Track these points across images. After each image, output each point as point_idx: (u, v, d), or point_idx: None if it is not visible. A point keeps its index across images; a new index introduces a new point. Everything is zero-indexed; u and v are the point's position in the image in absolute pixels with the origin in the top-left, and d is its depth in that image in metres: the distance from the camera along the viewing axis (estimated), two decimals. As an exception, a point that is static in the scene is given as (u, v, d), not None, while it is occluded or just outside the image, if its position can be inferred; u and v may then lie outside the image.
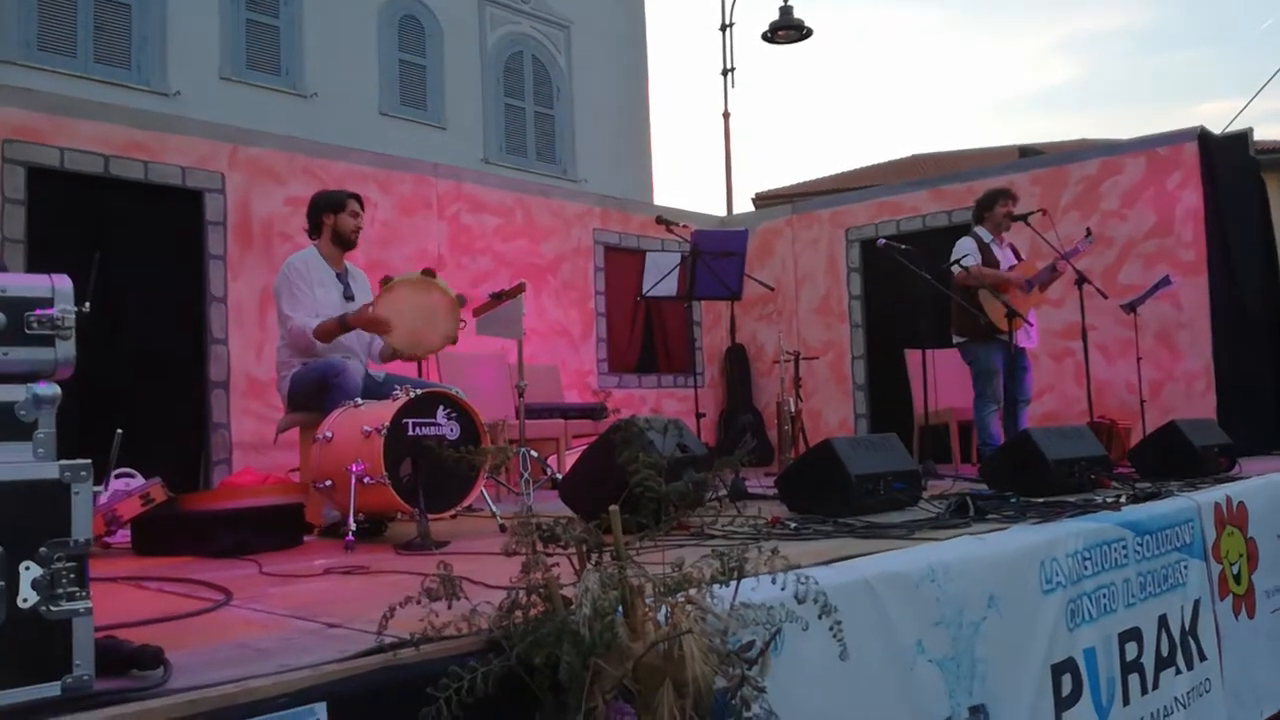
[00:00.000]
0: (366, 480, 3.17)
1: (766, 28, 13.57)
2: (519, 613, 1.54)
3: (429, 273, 3.96)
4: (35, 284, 1.33)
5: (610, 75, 15.29)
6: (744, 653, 1.53)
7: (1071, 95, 61.17)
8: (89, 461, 1.32)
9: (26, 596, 1.26)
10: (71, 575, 1.29)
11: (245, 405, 5.72)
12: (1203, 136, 6.57)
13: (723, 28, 14.16)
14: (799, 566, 1.61)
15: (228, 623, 1.92)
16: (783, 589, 1.60)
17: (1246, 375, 6.36)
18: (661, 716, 1.42)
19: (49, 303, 1.33)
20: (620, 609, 1.45)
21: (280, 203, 5.94)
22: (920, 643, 2.25)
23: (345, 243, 4.14)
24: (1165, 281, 6.06)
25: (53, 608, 1.28)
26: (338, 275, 4.13)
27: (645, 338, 8.13)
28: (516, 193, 7.43)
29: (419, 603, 1.48)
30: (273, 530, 3.17)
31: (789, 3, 13.15)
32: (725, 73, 14.17)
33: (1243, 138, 7.17)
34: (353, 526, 3.13)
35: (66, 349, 1.34)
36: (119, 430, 3.45)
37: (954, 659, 2.32)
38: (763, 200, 23.99)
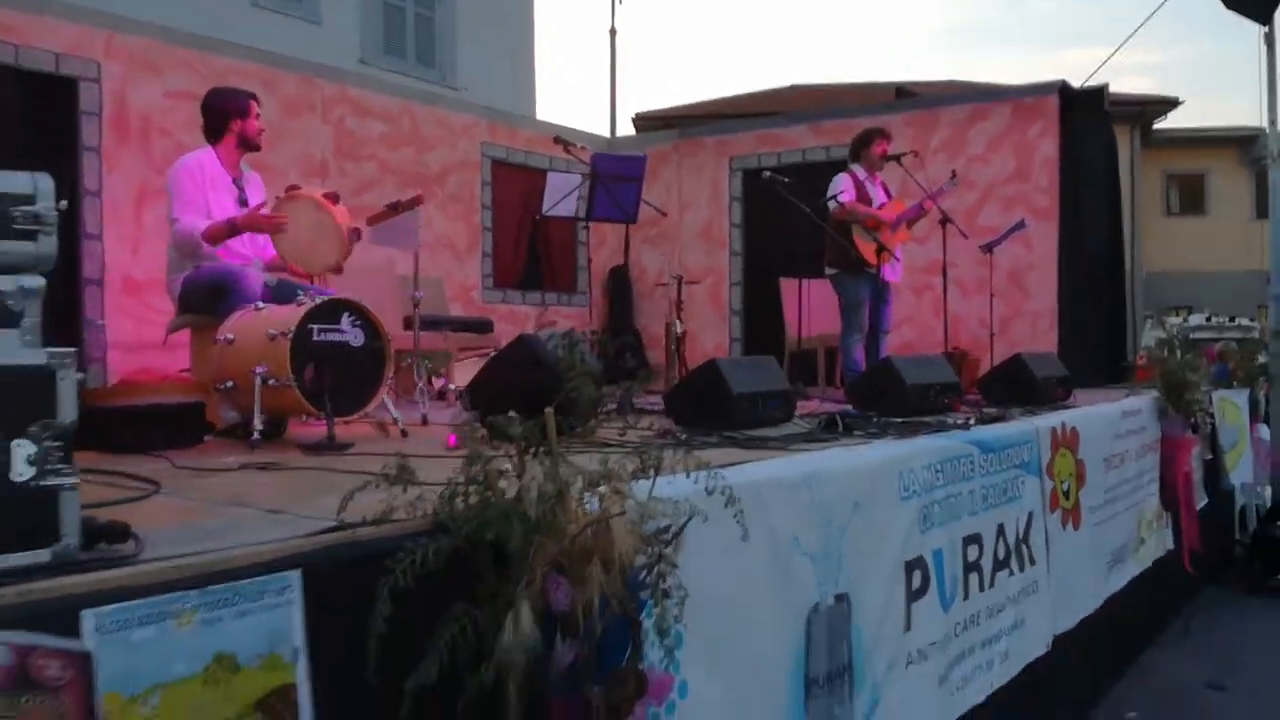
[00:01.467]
0: (271, 382, 3.25)
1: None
2: (459, 499, 1.71)
3: (331, 197, 3.96)
4: (18, 182, 1.40)
5: (494, -20, 14.96)
6: (660, 535, 1.75)
7: (943, 36, 62.79)
8: (74, 350, 1.42)
9: (20, 471, 1.36)
10: (59, 453, 1.40)
11: (122, 303, 5.59)
12: (1063, 90, 7.03)
13: (611, -59, 14.02)
14: (709, 465, 1.83)
15: (165, 509, 2.03)
16: (695, 484, 1.82)
17: (1085, 315, 6.95)
18: (590, 587, 1.64)
19: (31, 199, 1.41)
20: (557, 497, 1.65)
21: (160, 95, 5.74)
22: (797, 539, 2.53)
23: (252, 146, 4.10)
24: (1020, 225, 6.54)
25: (42, 482, 1.38)
26: (234, 180, 4.09)
27: (530, 254, 8.22)
28: (403, 99, 7.34)
29: (376, 486, 1.63)
30: (175, 428, 3.22)
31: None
32: (613, -11, 14.08)
33: (1099, 92, 7.70)
34: (258, 426, 3.21)
35: (49, 244, 1.42)
36: None
37: (824, 554, 2.62)
38: (643, 120, 23.99)
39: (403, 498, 1.68)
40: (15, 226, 1.39)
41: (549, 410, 1.75)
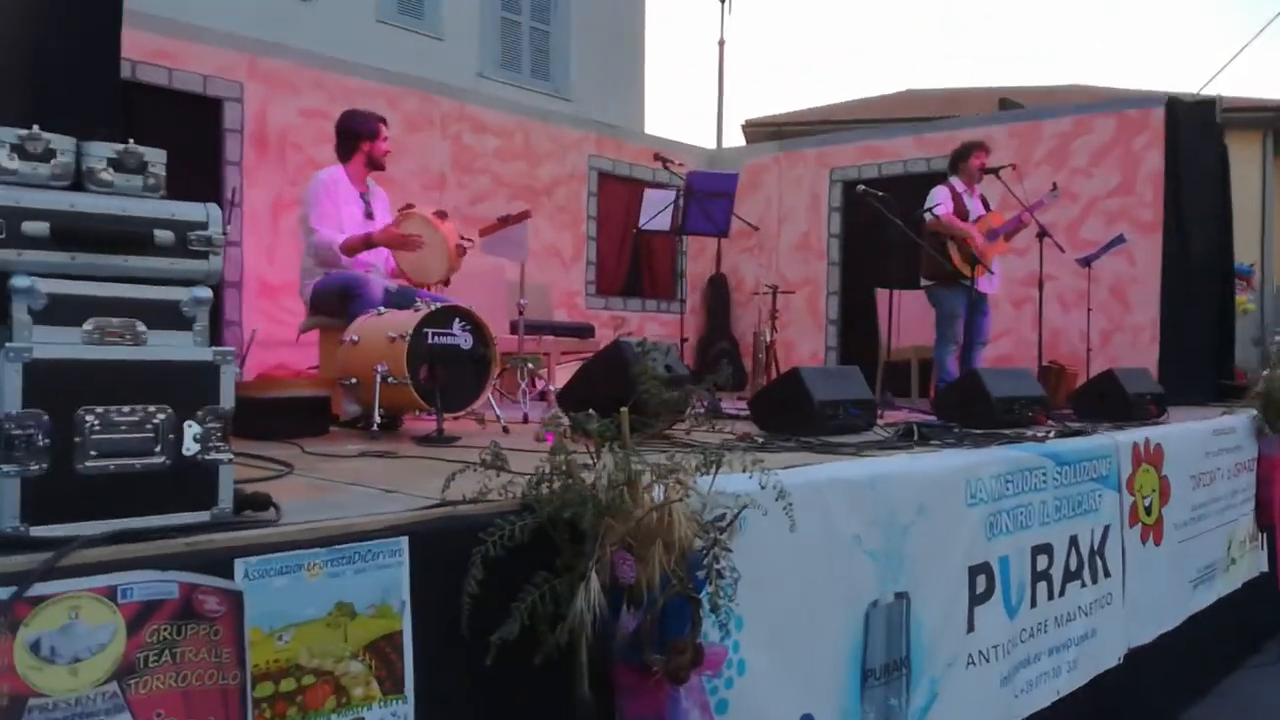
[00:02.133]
0: (390, 380, 3.60)
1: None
2: (545, 485, 1.98)
3: (441, 214, 4.32)
4: (194, 210, 1.72)
5: (608, -5, 15.34)
6: (717, 523, 1.98)
7: (1066, 37, 60.87)
8: (232, 349, 1.74)
9: (189, 447, 1.68)
10: (219, 433, 1.72)
11: (257, 305, 6.09)
12: (1170, 102, 6.96)
13: (723, -46, 14.25)
14: (763, 463, 2.06)
15: (297, 486, 2.36)
16: (750, 480, 2.05)
17: (1189, 331, 6.86)
18: (652, 566, 1.89)
19: (204, 225, 1.74)
20: (626, 485, 1.90)
21: (295, 114, 6.23)
22: (859, 536, 2.72)
23: (378, 166, 4.50)
24: (1119, 240, 6.52)
25: (206, 456, 1.71)
26: (360, 195, 4.49)
27: (632, 263, 8.52)
28: (517, 116, 7.73)
29: (475, 470, 1.92)
30: (305, 418, 3.60)
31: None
32: (722, 1, 14.30)
33: (1210, 105, 7.56)
34: (377, 419, 3.56)
35: (216, 262, 1.74)
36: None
37: (885, 552, 2.81)
38: (751, 127, 24.15)
39: (496, 481, 1.96)
40: (191, 247, 1.71)
41: (623, 410, 2.00)
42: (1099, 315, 6.87)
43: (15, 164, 1.57)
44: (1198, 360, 6.68)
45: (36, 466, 1.53)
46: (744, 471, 2.03)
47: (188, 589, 1.52)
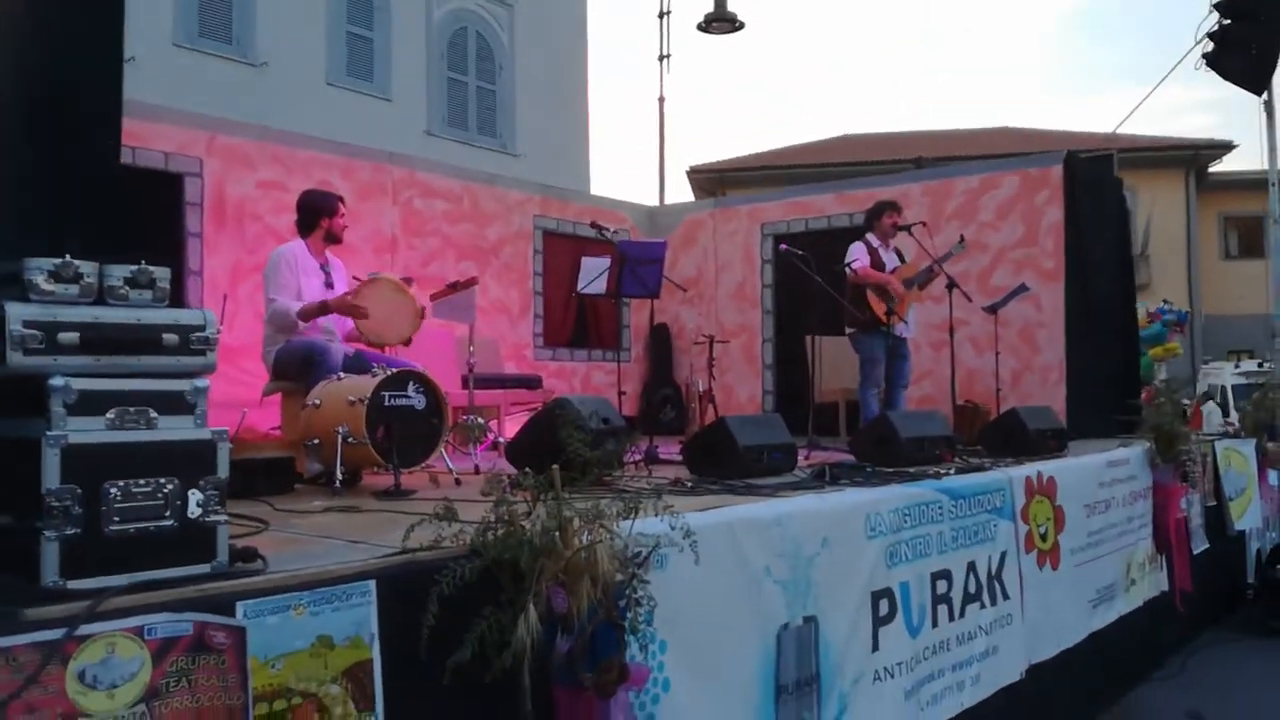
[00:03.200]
0: (350, 440, 3.95)
1: (701, 19, 14.37)
2: (490, 532, 2.37)
3: (407, 280, 4.71)
4: (194, 316, 2.10)
5: (551, 54, 15.92)
6: (635, 559, 2.38)
7: (1005, 77, 63.07)
8: (226, 429, 2.11)
9: (193, 511, 2.05)
10: (216, 498, 2.08)
11: (219, 368, 6.37)
12: (1068, 160, 7.57)
13: (660, 15, 14.88)
14: (672, 508, 2.46)
15: (276, 540, 2.71)
16: (661, 521, 2.46)
17: (1093, 370, 7.41)
18: (581, 597, 2.27)
19: (203, 328, 2.11)
20: (558, 530, 2.29)
21: (252, 186, 6.60)
22: (768, 568, 3.13)
23: (336, 240, 4.88)
24: (1022, 288, 7.08)
25: (206, 518, 2.07)
26: (321, 266, 4.86)
27: (578, 316, 8.95)
28: (464, 181, 8.15)
29: (429, 522, 2.29)
30: (272, 477, 3.93)
31: (723, -6, 13.90)
32: (662, 58, 14.90)
33: (1108, 159, 8.23)
34: (339, 476, 3.91)
35: (213, 357, 2.12)
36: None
37: (793, 581, 3.21)
38: (696, 174, 24.87)
39: (448, 530, 2.34)
40: (192, 347, 2.09)
41: (554, 467, 2.40)
42: (1010, 357, 7.42)
43: (51, 286, 1.94)
44: (1102, 397, 7.22)
45: (71, 531, 1.88)
46: (656, 515, 2.43)
47: (200, 626, 1.88)
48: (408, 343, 4.74)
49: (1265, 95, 7.30)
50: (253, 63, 12.55)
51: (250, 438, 4.12)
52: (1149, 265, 22.69)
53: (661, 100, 14.51)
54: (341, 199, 4.95)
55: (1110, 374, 7.56)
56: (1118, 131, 13.58)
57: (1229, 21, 8.11)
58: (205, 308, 5.91)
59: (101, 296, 2.02)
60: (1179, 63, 8.71)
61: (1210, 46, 8.21)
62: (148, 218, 6.11)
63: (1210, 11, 8.19)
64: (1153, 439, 6.00)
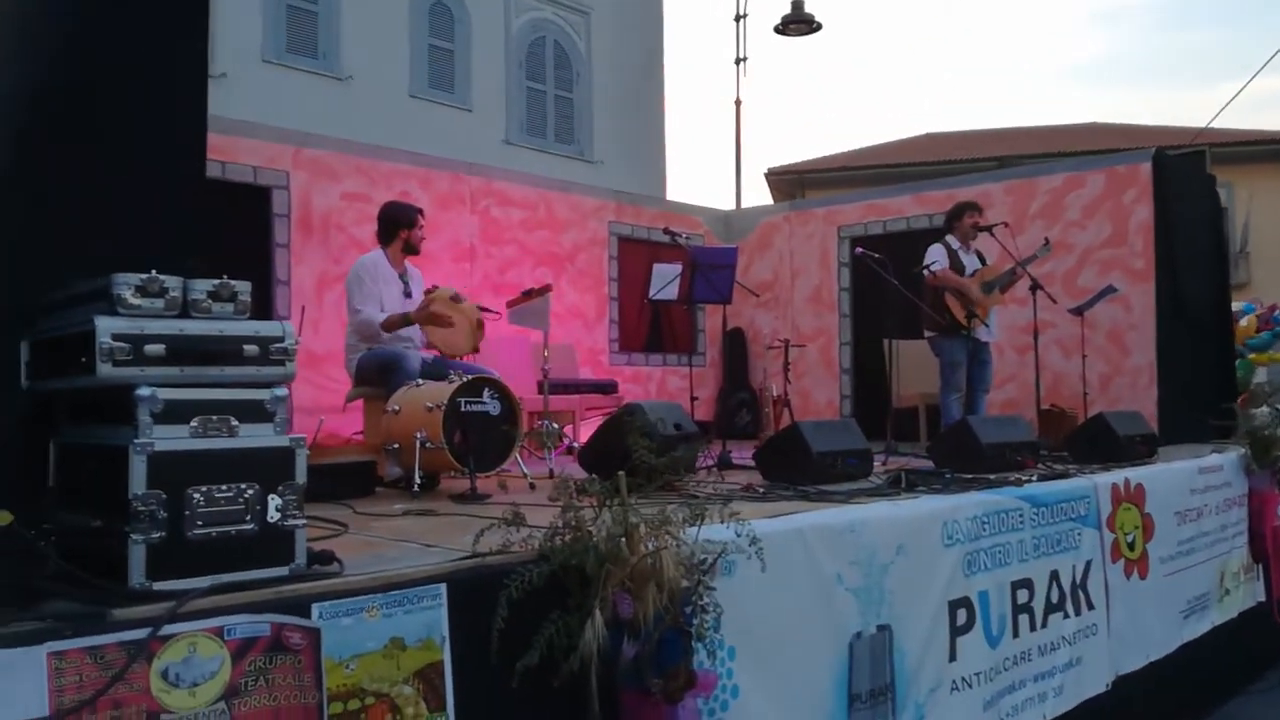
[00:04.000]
0: (428, 445, 4.04)
1: (779, 21, 14.29)
2: (558, 537, 2.40)
3: (456, 297, 4.80)
4: (274, 328, 2.18)
5: (628, 60, 16.01)
6: (701, 565, 2.38)
7: (1095, 71, 61.20)
8: (304, 436, 2.18)
9: (272, 515, 2.12)
10: (295, 503, 2.15)
11: (303, 374, 6.49)
12: (1156, 157, 7.33)
13: (737, 18, 14.84)
14: (738, 515, 2.46)
15: (354, 543, 2.79)
16: (727, 528, 2.46)
17: (1186, 373, 7.16)
18: (647, 603, 2.29)
19: (281, 339, 2.19)
20: (624, 536, 2.31)
21: (337, 198, 6.78)
22: (840, 575, 3.10)
23: (414, 251, 4.99)
24: (1110, 290, 6.87)
25: (285, 523, 2.14)
26: (399, 276, 4.98)
27: (653, 320, 8.97)
28: (540, 188, 8.25)
29: (499, 527, 2.34)
30: (353, 481, 4.04)
31: (801, -4, 13.82)
32: (738, 62, 14.85)
33: (1200, 156, 7.94)
34: (418, 480, 4.00)
35: (292, 367, 2.19)
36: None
37: (865, 589, 3.18)
38: (774, 175, 24.73)
39: (517, 536, 2.38)
40: (271, 358, 2.16)
41: (620, 473, 2.42)
42: (1098, 360, 7.20)
43: (138, 300, 2.03)
44: (1196, 401, 6.97)
45: (157, 534, 1.97)
46: (722, 523, 2.43)
47: (277, 627, 1.95)
48: (476, 350, 4.83)
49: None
50: (339, 76, 12.89)
51: (333, 443, 4.24)
52: (1249, 263, 21.79)
53: (738, 103, 14.46)
54: (421, 211, 5.06)
55: (1204, 377, 7.29)
56: (1213, 125, 13.10)
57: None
58: (288, 318, 6.15)
59: (186, 310, 2.10)
60: (1276, 53, 8.35)
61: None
62: (237, 230, 6.33)
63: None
64: (1248, 444, 5.78)
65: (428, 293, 4.74)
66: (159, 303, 2.06)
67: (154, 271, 2.05)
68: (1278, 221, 22.81)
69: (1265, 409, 5.95)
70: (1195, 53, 58.38)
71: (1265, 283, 20.60)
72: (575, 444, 5.78)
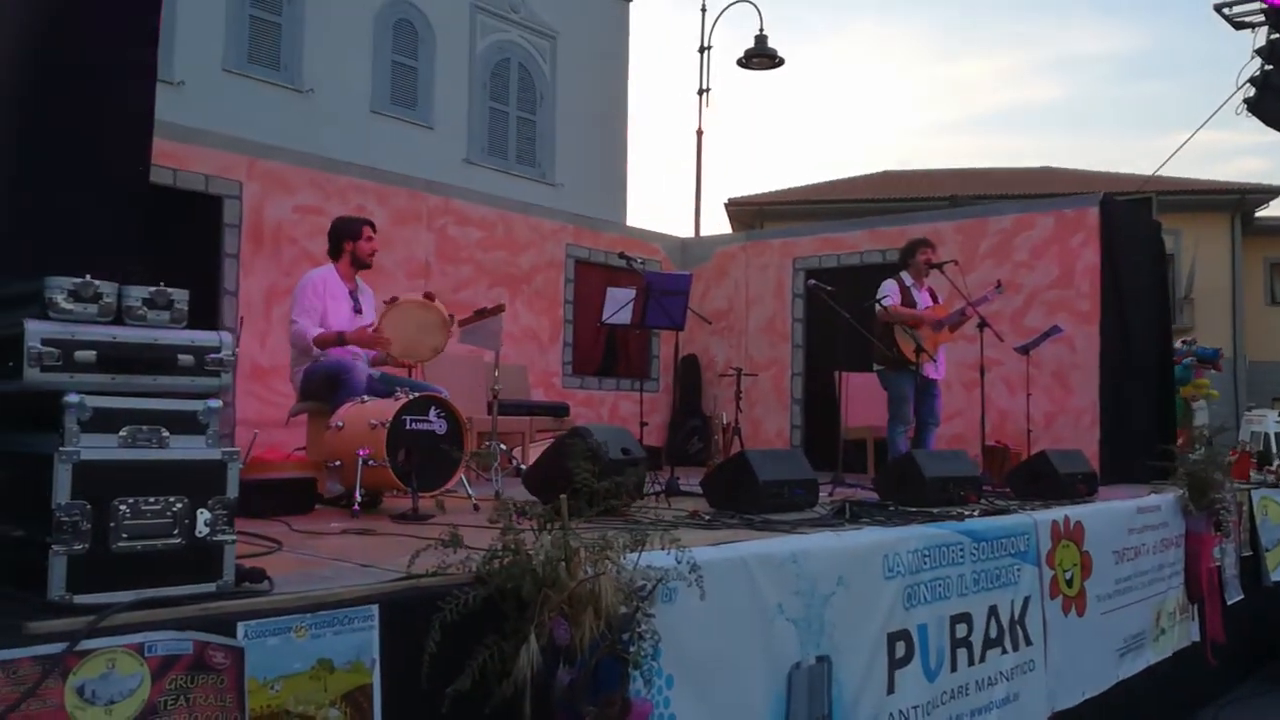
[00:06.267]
0: (371, 463, 3.98)
1: (741, 54, 14.44)
2: (496, 560, 2.37)
3: (429, 296, 4.76)
4: (210, 338, 2.14)
5: (592, 86, 16.09)
6: (640, 592, 2.36)
7: (1051, 117, 62.69)
8: (238, 449, 2.13)
9: (200, 530, 2.07)
10: (225, 518, 2.10)
11: (249, 387, 6.47)
12: (1104, 202, 7.50)
13: (701, 50, 14.96)
14: (679, 542, 2.45)
15: (287, 561, 2.73)
16: (668, 555, 2.44)
17: (1128, 414, 7.30)
18: (584, 629, 2.26)
19: (218, 349, 2.14)
20: (563, 560, 2.29)
21: (290, 210, 6.71)
22: (780, 605, 3.10)
23: (362, 265, 4.94)
24: (1055, 330, 7.00)
25: (214, 538, 2.09)
26: (350, 292, 4.92)
27: (607, 344, 8.97)
28: (499, 209, 8.23)
29: (435, 548, 2.30)
30: (292, 498, 3.96)
31: (764, 32, 14.00)
32: (701, 92, 14.96)
33: (1147, 202, 8.15)
34: (359, 499, 3.94)
35: (227, 378, 2.15)
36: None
37: (806, 619, 3.18)
38: (735, 205, 24.94)
39: (454, 557, 2.34)
40: (207, 368, 2.12)
41: (562, 496, 2.40)
42: (1043, 398, 7.32)
43: (70, 305, 1.98)
44: (1137, 441, 7.10)
45: (79, 546, 1.91)
46: (663, 549, 2.42)
47: (200, 646, 1.89)
48: (440, 352, 4.78)
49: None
50: (300, 89, 12.81)
51: (274, 458, 4.16)
52: (1193, 309, 22.35)
53: (700, 133, 14.55)
54: (369, 223, 5.01)
55: (1145, 419, 7.43)
56: (1161, 174, 13.46)
57: (1271, 67, 8.02)
58: (234, 329, 6.03)
59: (120, 316, 2.05)
60: (1219, 108, 8.64)
61: (1252, 91, 8.12)
62: (186, 238, 6.23)
63: (1252, 57, 8.12)
64: (1186, 486, 5.88)
65: (389, 302, 4.68)
66: (92, 308, 2.01)
67: (88, 276, 2.00)
68: (1221, 268, 23.47)
69: (1202, 450, 6.07)
70: (1147, 103, 60.08)
71: (1206, 329, 21.15)
72: (523, 466, 5.73)
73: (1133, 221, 7.75)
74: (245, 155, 6.58)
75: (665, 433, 8.97)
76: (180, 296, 2.11)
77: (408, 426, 4.07)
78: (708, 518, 3.98)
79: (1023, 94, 64.37)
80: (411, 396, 4.13)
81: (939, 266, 6.74)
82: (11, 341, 1.96)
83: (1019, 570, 4.35)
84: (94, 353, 1.98)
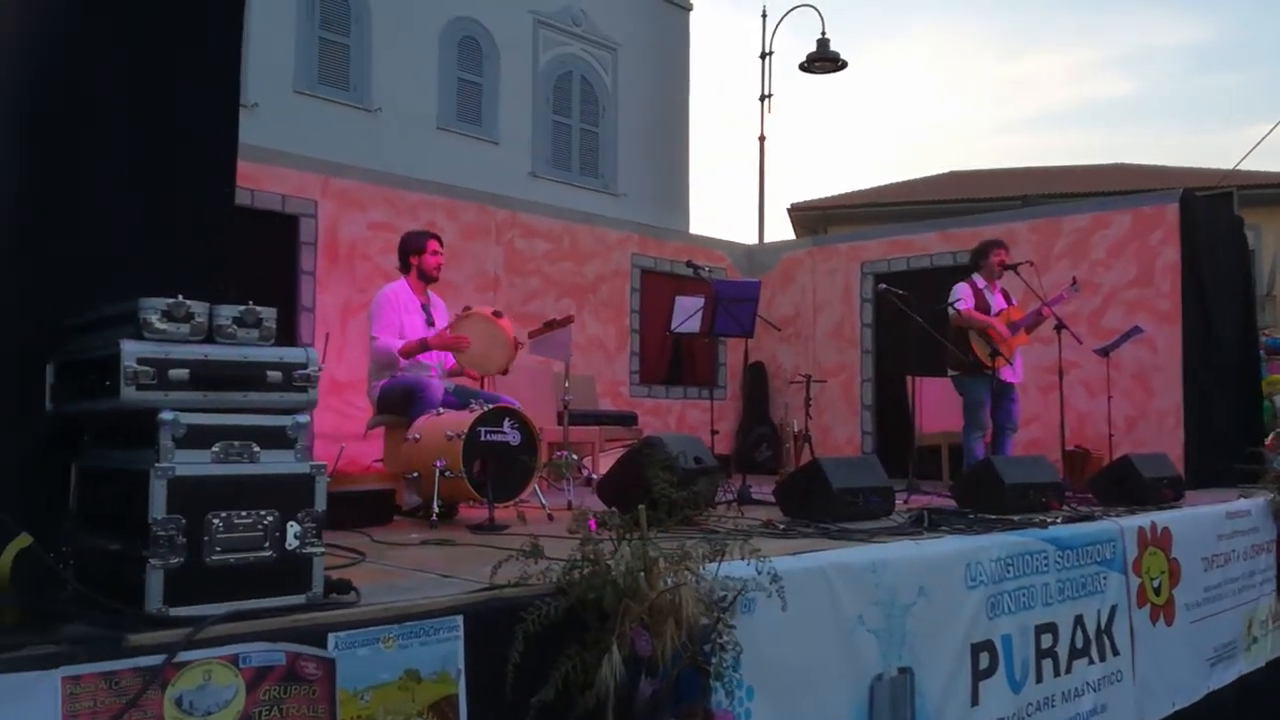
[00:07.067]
0: (447, 474, 4.03)
1: (804, 58, 14.36)
2: (576, 571, 2.37)
3: (497, 313, 4.81)
4: (297, 354, 2.18)
5: (654, 96, 16.13)
6: (721, 603, 2.35)
7: (1121, 112, 61.11)
8: (324, 464, 2.18)
9: (291, 542, 2.11)
10: (314, 531, 2.14)
11: (325, 401, 6.50)
12: (1184, 198, 7.28)
13: (762, 56, 14.93)
14: (759, 552, 2.44)
15: (370, 572, 2.77)
16: (748, 565, 2.43)
17: (1213, 416, 7.06)
18: (666, 640, 2.26)
19: (304, 365, 2.19)
20: (643, 571, 2.29)
21: (364, 227, 6.84)
22: (861, 616, 3.06)
23: (429, 278, 5.01)
24: (1136, 330, 6.81)
25: (303, 550, 2.13)
26: (422, 305, 5.00)
27: (674, 353, 8.97)
28: (564, 221, 8.30)
29: (517, 559, 2.32)
30: (372, 509, 4.03)
31: (826, 35, 13.91)
32: (763, 98, 14.91)
33: (1228, 197, 7.90)
34: (436, 509, 3.99)
35: (314, 393, 2.19)
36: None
37: (887, 630, 3.13)
38: (798, 210, 24.75)
39: (535, 568, 2.36)
40: (294, 384, 2.17)
41: (641, 507, 2.40)
42: (1124, 401, 7.13)
43: (164, 325, 2.04)
44: (1222, 444, 6.87)
45: (175, 560, 1.96)
46: (743, 559, 2.40)
47: (293, 657, 1.93)
48: (505, 371, 4.82)
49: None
50: (368, 108, 13.05)
51: (353, 470, 4.24)
52: (1275, 307, 21.55)
53: (762, 139, 14.50)
54: (435, 237, 5.09)
55: (1231, 420, 7.19)
56: (1240, 168, 13.01)
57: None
58: (312, 345, 6.17)
59: (211, 335, 2.11)
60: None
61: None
62: (264, 257, 6.39)
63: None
64: (1276, 489, 5.69)
65: (462, 313, 4.75)
66: (184, 328, 2.07)
67: (180, 296, 2.06)
68: (1307, 263, 22.59)
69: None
70: (1223, 96, 58.24)
71: (1296, 324, 20.34)
72: (594, 475, 5.75)
73: (1213, 217, 7.52)
74: (319, 174, 6.73)
75: (733, 440, 8.93)
76: (268, 314, 2.16)
77: (483, 438, 4.12)
78: (782, 526, 3.95)
79: (1090, 90, 62.86)
80: (486, 408, 4.18)
81: (1013, 268, 6.61)
82: (108, 361, 2.03)
83: (1105, 578, 4.24)
84: (187, 371, 2.04)
